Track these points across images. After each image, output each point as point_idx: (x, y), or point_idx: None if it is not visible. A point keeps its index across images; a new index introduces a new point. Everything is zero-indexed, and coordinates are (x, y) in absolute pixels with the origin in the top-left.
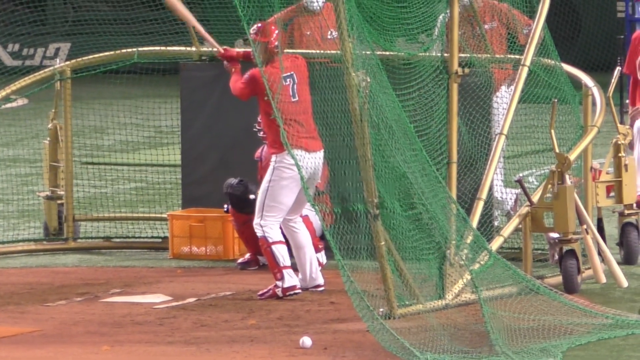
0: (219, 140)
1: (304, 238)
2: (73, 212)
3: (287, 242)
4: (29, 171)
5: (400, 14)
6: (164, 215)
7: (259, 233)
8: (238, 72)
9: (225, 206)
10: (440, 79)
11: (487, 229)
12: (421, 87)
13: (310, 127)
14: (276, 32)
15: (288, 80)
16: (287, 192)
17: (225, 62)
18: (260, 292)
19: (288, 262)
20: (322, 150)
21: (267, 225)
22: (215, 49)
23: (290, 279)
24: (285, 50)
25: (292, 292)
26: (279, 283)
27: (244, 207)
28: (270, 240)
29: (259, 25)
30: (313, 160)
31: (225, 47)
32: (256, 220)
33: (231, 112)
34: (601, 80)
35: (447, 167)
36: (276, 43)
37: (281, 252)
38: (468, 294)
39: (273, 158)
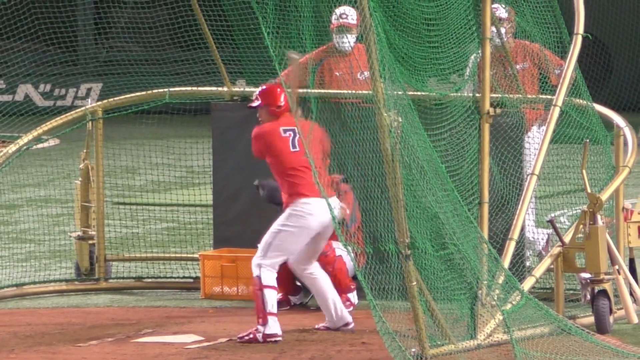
0: (250, 181)
1: (324, 282)
2: (104, 252)
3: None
4: (61, 211)
5: (431, 54)
6: (196, 256)
7: (255, 272)
8: None
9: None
10: (472, 119)
11: (519, 269)
12: (453, 128)
13: (314, 177)
14: (282, 95)
15: (288, 132)
16: (297, 240)
17: None
18: (240, 335)
19: (275, 310)
20: (332, 198)
21: (265, 267)
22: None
23: (274, 326)
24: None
25: (272, 340)
26: (261, 328)
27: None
28: (264, 283)
29: (264, 88)
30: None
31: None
32: (256, 260)
33: None
34: (633, 120)
35: (479, 208)
36: (280, 104)
37: (271, 298)
38: (500, 334)
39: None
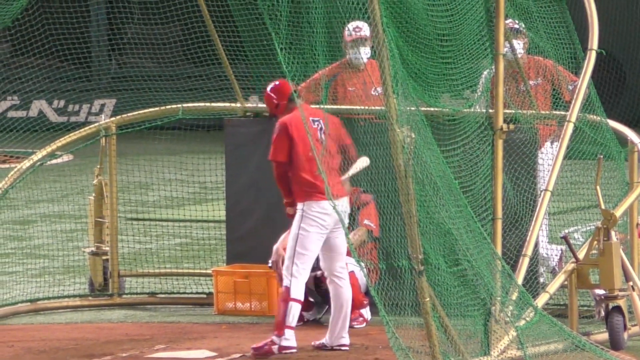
0: (263, 196)
1: (345, 296)
2: (118, 267)
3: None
4: (74, 227)
5: (445, 70)
6: (209, 271)
7: (286, 281)
8: None
9: (270, 262)
10: (485, 135)
11: (533, 285)
12: (466, 143)
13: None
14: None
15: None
16: (315, 240)
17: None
18: (255, 346)
19: (294, 323)
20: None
21: (296, 277)
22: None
23: (291, 339)
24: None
25: (287, 352)
26: (276, 339)
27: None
28: (292, 296)
29: (273, 88)
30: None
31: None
32: (287, 267)
33: None
34: None
35: (492, 224)
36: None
37: (295, 312)
38: (514, 350)
39: (300, 206)
